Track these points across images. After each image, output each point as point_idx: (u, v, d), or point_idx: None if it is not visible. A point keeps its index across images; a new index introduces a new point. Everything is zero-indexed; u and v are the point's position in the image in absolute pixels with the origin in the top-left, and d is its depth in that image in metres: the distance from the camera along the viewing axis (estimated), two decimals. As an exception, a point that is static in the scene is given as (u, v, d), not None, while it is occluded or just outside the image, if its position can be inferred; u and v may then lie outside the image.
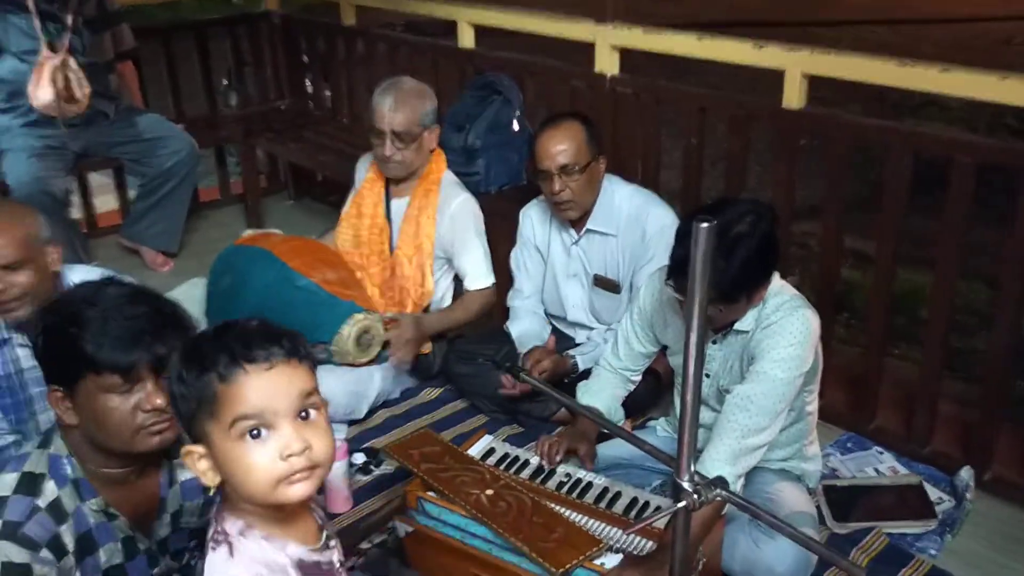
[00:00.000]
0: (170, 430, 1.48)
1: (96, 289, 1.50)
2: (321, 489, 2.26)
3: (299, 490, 1.08)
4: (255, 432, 1.07)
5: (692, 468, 1.28)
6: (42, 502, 1.45)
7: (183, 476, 1.65)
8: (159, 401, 1.43)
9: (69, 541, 1.47)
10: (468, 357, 2.67)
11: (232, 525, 1.13)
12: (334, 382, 2.53)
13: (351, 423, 2.62)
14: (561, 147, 2.38)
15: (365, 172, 2.87)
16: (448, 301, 2.81)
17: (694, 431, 1.28)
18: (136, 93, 3.69)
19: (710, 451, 1.87)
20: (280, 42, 4.24)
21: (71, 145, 3.35)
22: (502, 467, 2.02)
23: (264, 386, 1.07)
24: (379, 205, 2.80)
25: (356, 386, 2.58)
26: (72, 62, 3.27)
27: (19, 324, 2.00)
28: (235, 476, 1.09)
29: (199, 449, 1.12)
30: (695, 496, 1.26)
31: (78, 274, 2.13)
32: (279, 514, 1.14)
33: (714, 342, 2.02)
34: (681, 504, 1.27)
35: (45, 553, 1.42)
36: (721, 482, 1.30)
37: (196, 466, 1.12)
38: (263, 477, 1.07)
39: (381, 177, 2.79)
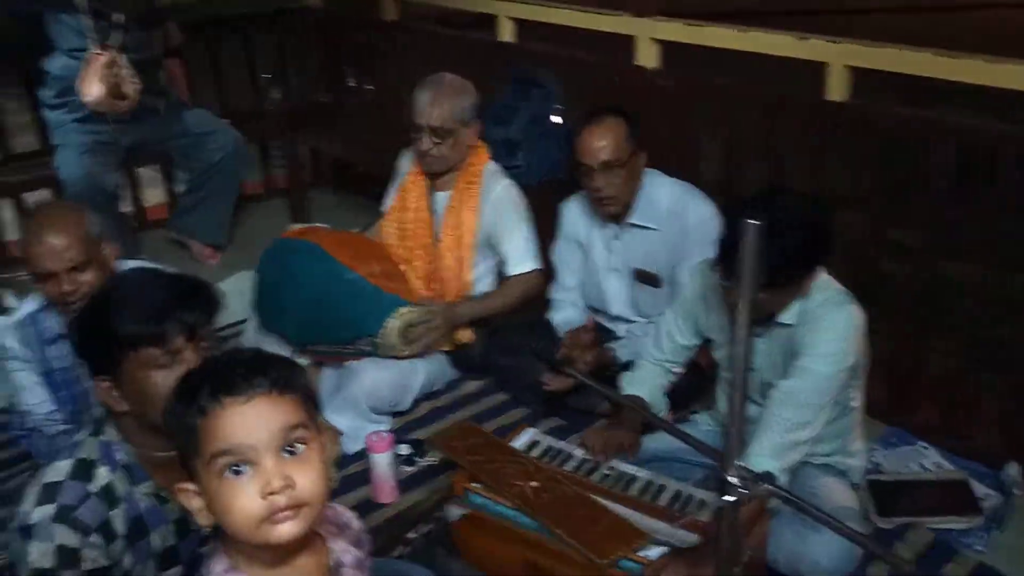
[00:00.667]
0: None
1: (119, 277, 1.58)
2: (368, 480, 2.33)
3: (284, 530, 1.03)
4: (236, 468, 1.03)
5: (739, 463, 1.29)
6: (94, 487, 1.50)
7: None
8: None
9: (120, 525, 1.52)
10: (510, 350, 2.70)
11: (217, 563, 1.11)
12: (379, 374, 2.58)
13: (395, 414, 2.67)
14: (602, 143, 2.39)
15: (408, 166, 2.91)
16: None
17: (741, 426, 1.30)
18: (183, 88, 3.75)
19: (755, 446, 1.88)
20: (321, 36, 4.28)
21: (121, 140, 3.42)
22: (546, 460, 2.05)
23: (241, 420, 1.03)
24: (422, 198, 2.83)
25: (401, 378, 2.62)
26: (121, 59, 3.34)
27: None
28: (219, 515, 1.05)
29: (191, 487, 1.09)
30: (742, 491, 1.28)
31: (134, 267, 2.19)
32: (272, 555, 1.09)
33: (758, 335, 2.02)
34: (728, 499, 1.28)
35: (95, 538, 1.48)
36: (768, 477, 1.32)
37: (190, 504, 1.10)
38: (244, 516, 1.02)
39: (423, 172, 2.83)
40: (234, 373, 1.05)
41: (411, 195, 2.85)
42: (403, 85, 3.92)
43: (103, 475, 1.52)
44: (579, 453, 2.07)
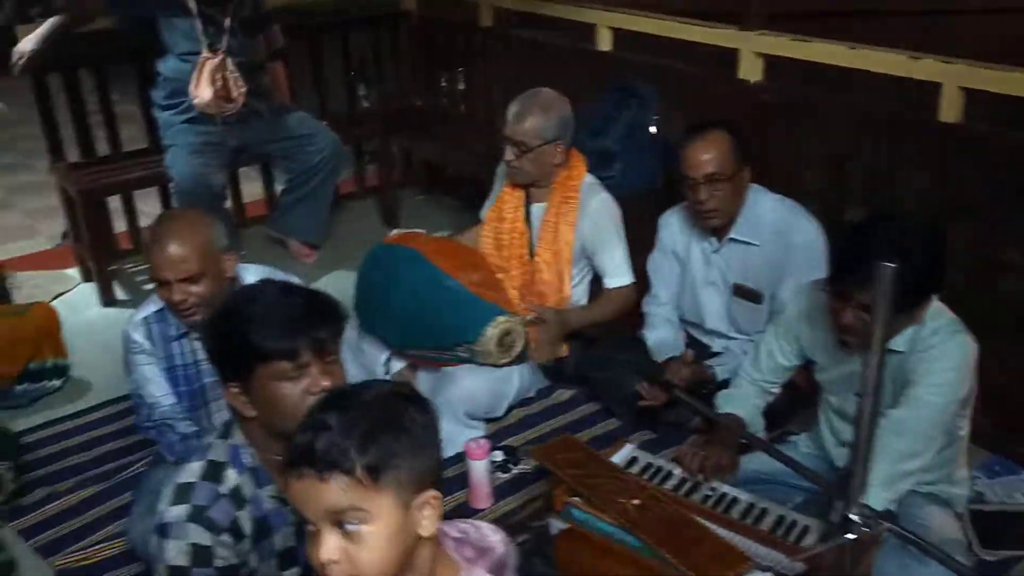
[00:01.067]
0: None
1: (253, 289, 1.64)
2: (464, 485, 2.38)
3: None
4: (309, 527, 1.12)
5: (861, 501, 1.30)
6: (224, 489, 1.57)
7: None
8: (325, 383, 1.53)
9: (247, 525, 1.59)
10: (604, 362, 2.72)
11: None
12: (476, 381, 2.63)
13: (488, 420, 2.72)
14: (707, 156, 2.39)
15: (504, 176, 2.95)
16: (585, 303, 2.86)
17: (866, 464, 1.30)
18: (285, 91, 3.86)
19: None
20: (417, 40, 4.35)
21: (228, 141, 3.54)
22: (644, 477, 2.07)
23: (296, 493, 1.13)
24: (519, 209, 2.87)
25: (496, 385, 2.67)
26: (229, 63, 3.45)
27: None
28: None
29: None
30: (865, 529, 1.28)
31: (252, 274, 2.27)
32: None
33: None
34: (851, 536, 1.29)
35: (225, 537, 1.55)
36: (889, 515, 1.32)
37: None
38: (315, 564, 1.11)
39: (521, 187, 2.87)
40: (296, 450, 1.12)
41: (507, 206, 2.89)
42: (496, 91, 3.99)
43: (232, 477, 1.59)
44: (678, 472, 2.08)
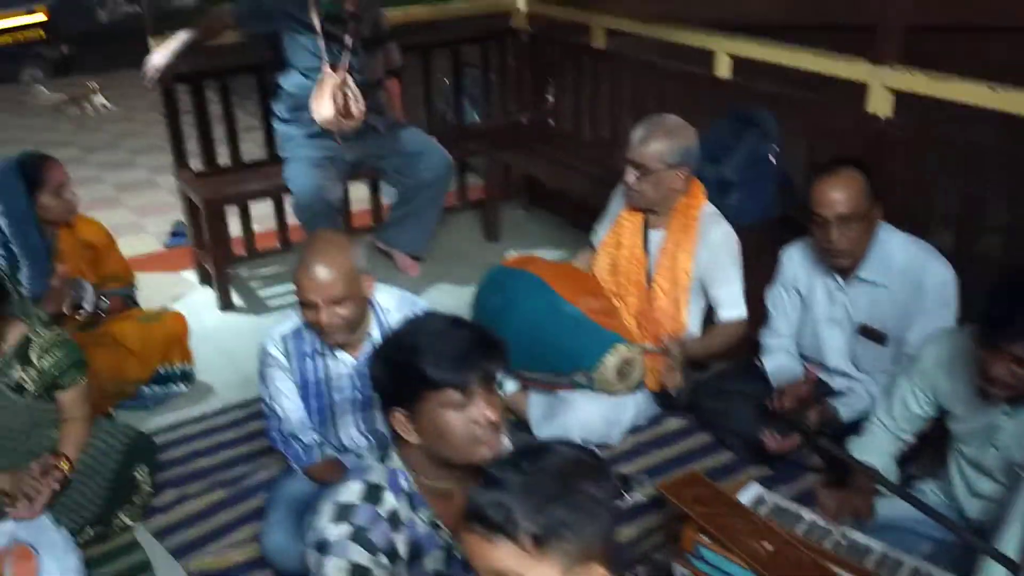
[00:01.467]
0: (498, 443, 1.63)
1: (422, 321, 1.69)
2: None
3: None
4: None
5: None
6: (382, 511, 1.63)
7: None
8: (490, 414, 1.58)
9: (402, 548, 1.64)
10: (718, 392, 2.72)
11: None
12: (592, 408, 2.66)
13: (603, 448, 2.74)
14: (840, 196, 2.37)
15: (621, 202, 2.96)
16: (698, 333, 2.86)
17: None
18: (399, 108, 3.94)
19: (1006, 532, 1.83)
20: (526, 58, 4.39)
21: (345, 156, 3.64)
22: (772, 519, 2.06)
23: (466, 544, 1.17)
24: (637, 235, 2.88)
25: (612, 413, 2.69)
26: (350, 80, 3.55)
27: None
28: None
29: None
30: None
31: (382, 294, 2.34)
32: None
33: (1006, 413, 1.97)
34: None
35: (382, 558, 1.60)
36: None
37: None
38: None
39: (638, 211, 2.88)
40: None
41: (626, 232, 2.90)
42: (606, 112, 4.00)
43: (390, 500, 1.65)
44: (809, 516, 2.07)
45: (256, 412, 3.01)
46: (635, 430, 2.81)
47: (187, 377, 3.15)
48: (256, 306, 3.80)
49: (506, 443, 1.72)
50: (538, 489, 1.13)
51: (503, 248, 4.19)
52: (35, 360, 2.38)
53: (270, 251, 4.13)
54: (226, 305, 3.73)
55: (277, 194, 3.87)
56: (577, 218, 4.23)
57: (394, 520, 1.64)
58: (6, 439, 2.38)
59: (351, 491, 1.66)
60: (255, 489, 2.64)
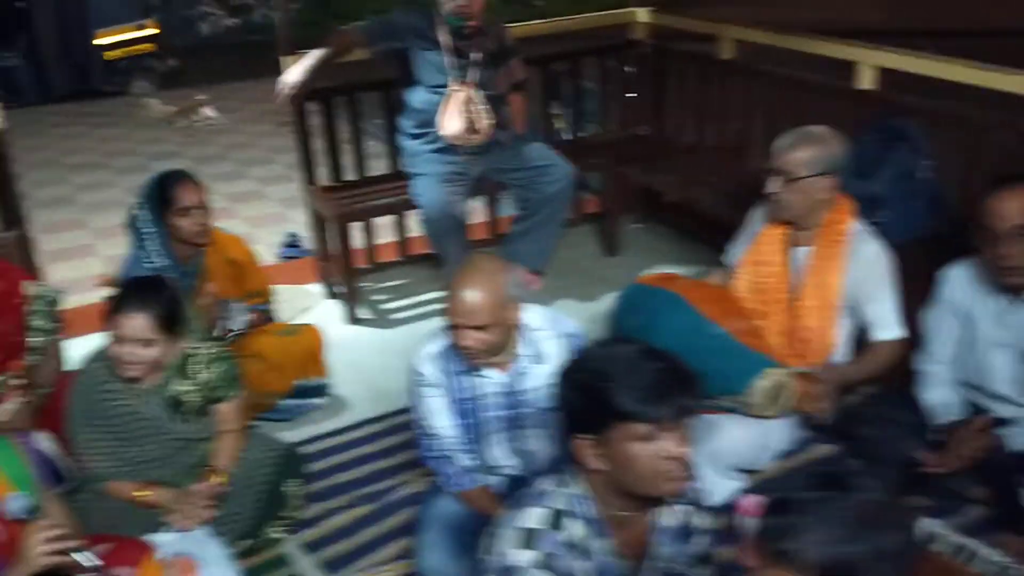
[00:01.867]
0: (685, 478, 1.60)
1: (611, 348, 1.67)
2: (731, 540, 2.33)
3: None
4: None
5: None
6: (564, 538, 1.62)
7: (662, 522, 1.76)
8: (680, 450, 1.54)
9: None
10: (872, 420, 2.61)
11: None
12: (740, 432, 2.59)
13: (748, 472, 2.67)
14: (1018, 207, 2.26)
15: (763, 218, 2.89)
16: (846, 353, 2.76)
17: None
18: (523, 121, 3.93)
19: None
20: (647, 70, 4.34)
21: (471, 171, 3.65)
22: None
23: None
24: (781, 253, 2.80)
25: (760, 438, 2.61)
26: (477, 95, 3.56)
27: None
28: None
29: None
30: None
31: (530, 313, 2.32)
32: None
33: None
34: None
35: None
36: None
37: None
38: None
39: (779, 225, 2.80)
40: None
41: (768, 248, 2.82)
42: (735, 125, 3.91)
43: (572, 527, 1.63)
44: (998, 556, 1.97)
45: (392, 427, 3.05)
46: (783, 455, 2.73)
47: (323, 391, 3.19)
48: (382, 320, 3.84)
49: (692, 478, 1.68)
50: (836, 524, 1.10)
51: (622, 263, 4.15)
52: (195, 374, 2.44)
53: (391, 264, 4.17)
54: (353, 319, 3.78)
55: (406, 210, 3.88)
56: (698, 232, 4.16)
57: (576, 548, 1.63)
58: (165, 452, 2.45)
59: (534, 516, 1.65)
60: (399, 505, 2.67)
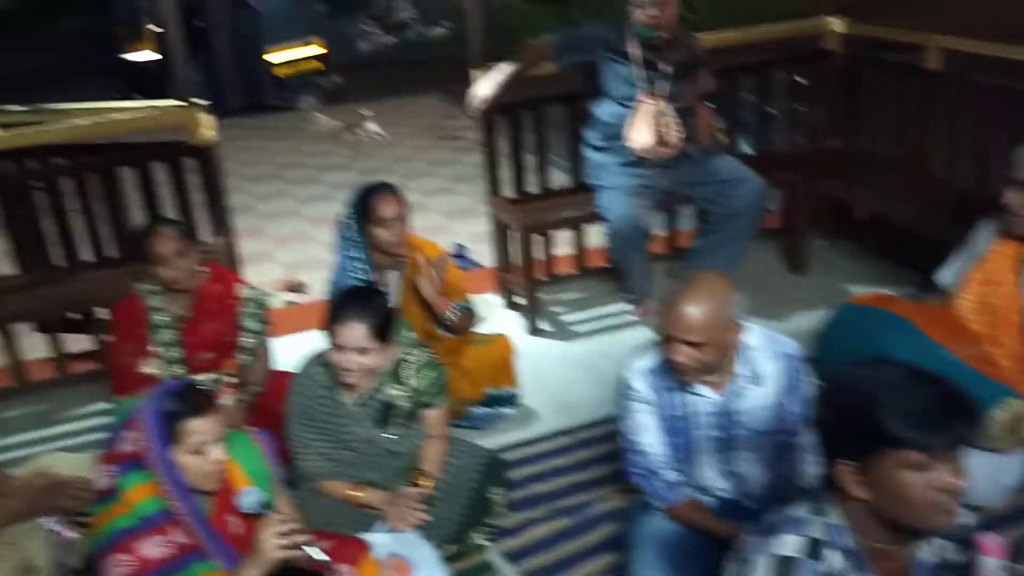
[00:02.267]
0: (958, 511, 1.51)
1: (877, 370, 1.56)
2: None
3: None
4: None
5: None
6: (823, 568, 1.53)
7: (921, 557, 1.65)
8: (956, 482, 1.44)
9: None
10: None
11: None
12: (974, 465, 2.41)
13: (973, 508, 2.48)
14: None
15: (990, 237, 2.70)
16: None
17: None
18: (710, 134, 3.84)
19: None
20: (840, 81, 4.17)
21: (659, 184, 3.59)
22: None
23: None
24: (1013, 272, 2.62)
25: (994, 472, 2.44)
26: (668, 108, 3.50)
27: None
28: None
29: None
30: None
31: (749, 333, 2.24)
32: None
33: None
34: None
35: None
36: None
37: None
38: None
39: (1011, 242, 2.61)
40: None
41: (998, 267, 2.65)
42: (942, 140, 3.68)
43: (831, 558, 1.55)
44: None
45: (581, 440, 3.02)
46: (1014, 491, 2.53)
47: (514, 401, 3.20)
48: (562, 332, 3.83)
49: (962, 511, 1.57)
50: None
51: (811, 282, 3.98)
52: (408, 379, 2.49)
53: (568, 276, 4.15)
54: (534, 330, 3.78)
55: (586, 221, 3.86)
56: (890, 250, 3.94)
57: None
58: (375, 457, 2.50)
59: (790, 544, 1.57)
60: (598, 520, 2.63)
